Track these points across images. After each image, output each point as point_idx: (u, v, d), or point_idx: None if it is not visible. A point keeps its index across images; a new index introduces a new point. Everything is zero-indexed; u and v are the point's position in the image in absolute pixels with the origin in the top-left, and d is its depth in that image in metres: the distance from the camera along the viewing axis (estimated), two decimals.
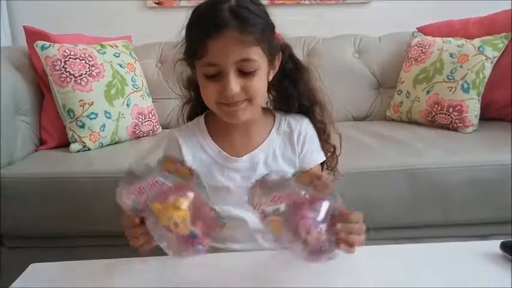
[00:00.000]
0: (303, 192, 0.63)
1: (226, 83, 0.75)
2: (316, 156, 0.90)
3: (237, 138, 0.87)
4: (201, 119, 0.91)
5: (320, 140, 0.93)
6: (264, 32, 0.78)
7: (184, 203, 0.62)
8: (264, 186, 0.65)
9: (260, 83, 0.79)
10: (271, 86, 0.89)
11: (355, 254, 0.71)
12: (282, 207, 0.64)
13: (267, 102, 0.95)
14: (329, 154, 0.95)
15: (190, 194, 0.64)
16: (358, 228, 0.64)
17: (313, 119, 0.93)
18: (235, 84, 0.75)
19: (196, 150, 0.87)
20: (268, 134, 0.88)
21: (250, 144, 0.87)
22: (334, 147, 0.95)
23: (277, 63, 0.85)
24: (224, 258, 0.78)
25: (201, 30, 0.75)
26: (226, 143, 0.87)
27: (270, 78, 0.85)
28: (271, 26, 0.81)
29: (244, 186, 0.82)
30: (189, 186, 0.65)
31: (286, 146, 0.88)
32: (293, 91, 0.89)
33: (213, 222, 0.66)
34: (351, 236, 0.63)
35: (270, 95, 0.94)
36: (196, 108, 0.95)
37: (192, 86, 0.92)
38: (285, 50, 0.88)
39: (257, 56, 0.77)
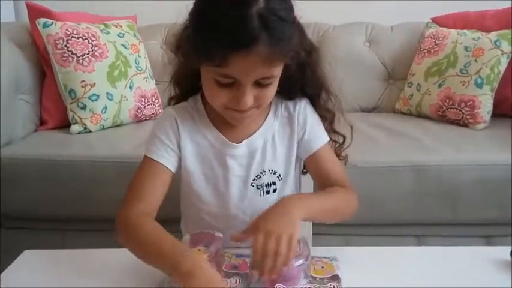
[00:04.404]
0: None
1: (241, 96, 0.69)
2: (320, 133, 0.84)
3: None
4: (198, 101, 0.83)
5: (326, 129, 0.86)
6: (291, 41, 0.69)
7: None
8: None
9: (273, 90, 0.74)
10: None
11: (361, 254, 0.68)
12: None
13: None
14: (337, 145, 0.88)
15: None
16: None
17: (318, 106, 0.86)
18: (250, 97, 0.70)
19: (194, 132, 0.81)
20: (265, 118, 0.83)
21: (248, 129, 0.82)
22: (344, 138, 0.88)
23: None
24: None
25: (223, 40, 0.63)
26: (224, 128, 0.81)
27: None
28: (296, 28, 0.72)
29: (242, 176, 0.80)
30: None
31: (285, 131, 0.83)
32: (299, 78, 0.80)
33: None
34: None
35: None
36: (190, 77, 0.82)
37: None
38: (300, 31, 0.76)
39: (279, 70, 0.71)
